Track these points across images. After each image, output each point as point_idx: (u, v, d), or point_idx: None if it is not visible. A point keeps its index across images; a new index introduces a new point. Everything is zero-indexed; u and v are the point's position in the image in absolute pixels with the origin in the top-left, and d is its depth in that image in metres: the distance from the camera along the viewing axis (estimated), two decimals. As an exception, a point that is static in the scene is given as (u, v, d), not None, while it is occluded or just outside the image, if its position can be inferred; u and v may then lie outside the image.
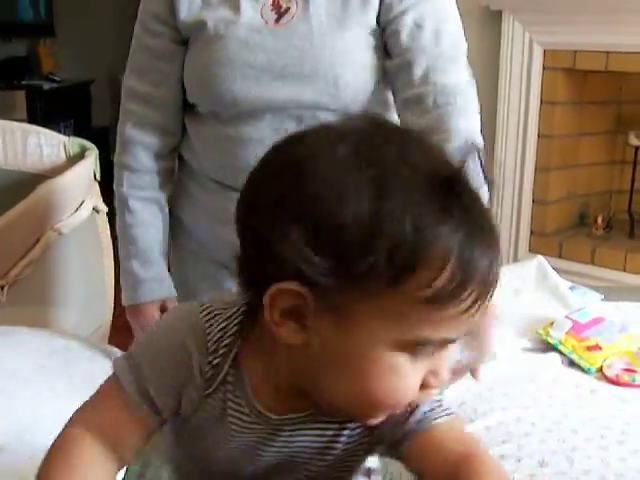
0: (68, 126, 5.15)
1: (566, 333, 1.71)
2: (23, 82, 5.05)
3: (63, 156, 2.02)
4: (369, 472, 0.90)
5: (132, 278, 1.42)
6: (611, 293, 2.06)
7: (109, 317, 2.16)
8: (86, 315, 2.05)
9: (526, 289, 2.02)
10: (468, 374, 1.61)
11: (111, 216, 2.12)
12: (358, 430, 0.79)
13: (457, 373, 1.21)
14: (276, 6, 1.31)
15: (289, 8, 1.31)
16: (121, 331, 2.21)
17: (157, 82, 1.38)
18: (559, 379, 1.61)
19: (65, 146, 2.02)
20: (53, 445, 0.78)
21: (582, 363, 1.64)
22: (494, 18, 3.28)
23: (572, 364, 1.66)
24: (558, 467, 1.28)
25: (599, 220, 3.37)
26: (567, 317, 1.76)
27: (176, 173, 1.48)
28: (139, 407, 0.77)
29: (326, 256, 0.62)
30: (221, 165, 1.38)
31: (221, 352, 0.75)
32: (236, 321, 0.75)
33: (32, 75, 5.26)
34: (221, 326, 0.75)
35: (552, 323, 1.75)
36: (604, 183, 3.53)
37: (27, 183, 1.92)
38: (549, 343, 1.71)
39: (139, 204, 1.41)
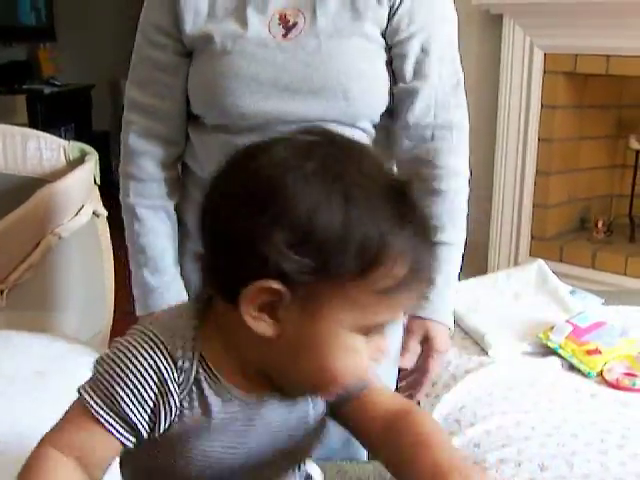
0: (69, 130, 5.15)
1: (566, 337, 1.71)
2: (24, 86, 5.06)
3: (63, 160, 2.02)
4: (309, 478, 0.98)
5: (143, 287, 1.40)
6: (612, 297, 2.06)
7: (109, 322, 2.15)
8: (86, 319, 2.05)
9: (526, 293, 2.02)
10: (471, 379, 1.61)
11: (111, 220, 2.12)
12: (320, 401, 0.90)
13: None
14: (283, 20, 1.29)
15: (296, 23, 1.29)
16: (121, 335, 2.22)
17: (161, 94, 1.36)
18: (559, 383, 1.60)
19: (65, 150, 2.02)
20: (24, 466, 0.79)
21: (582, 367, 1.64)
22: (494, 22, 3.28)
23: (572, 368, 1.66)
24: (558, 471, 1.28)
25: (600, 224, 3.37)
26: (567, 321, 1.76)
27: (180, 179, 1.48)
28: (111, 425, 0.79)
29: (304, 257, 0.72)
30: None
31: (187, 354, 0.80)
32: (193, 322, 0.82)
33: (33, 79, 5.26)
34: (180, 331, 0.81)
35: (552, 327, 1.75)
36: (605, 187, 3.53)
37: (27, 187, 1.91)
38: (549, 347, 1.71)
39: (147, 212, 1.40)
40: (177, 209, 1.47)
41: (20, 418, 1.28)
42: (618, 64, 3.02)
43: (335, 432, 1.53)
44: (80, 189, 1.97)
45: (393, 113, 1.36)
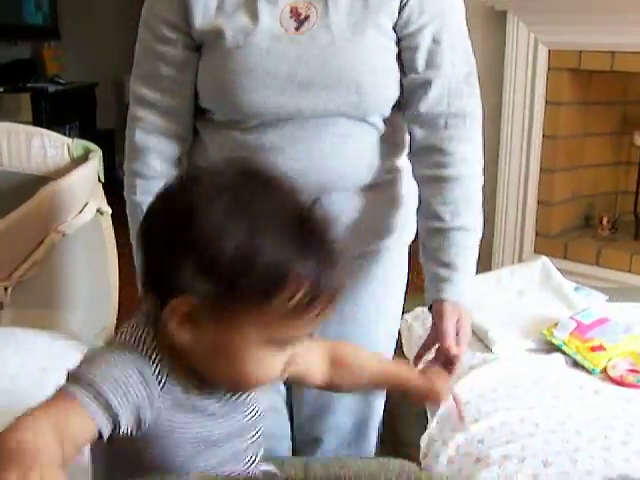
0: (73, 128, 5.16)
1: (570, 334, 1.70)
2: (28, 85, 5.05)
3: (67, 158, 2.02)
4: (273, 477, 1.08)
5: None
6: (616, 294, 2.06)
7: (113, 318, 2.16)
8: (90, 317, 2.05)
9: (530, 290, 2.02)
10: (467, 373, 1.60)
11: (115, 217, 2.12)
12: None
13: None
14: (295, 14, 1.28)
15: (308, 16, 1.28)
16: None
17: (170, 90, 1.34)
18: (563, 380, 1.60)
19: (69, 148, 2.02)
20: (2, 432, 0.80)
21: (586, 364, 1.63)
22: (499, 18, 3.28)
23: (576, 365, 1.66)
24: (561, 467, 1.28)
25: (604, 221, 3.36)
26: (571, 318, 1.76)
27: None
28: (94, 409, 0.83)
29: (213, 281, 0.83)
30: None
31: (156, 358, 0.90)
32: (152, 332, 0.91)
33: (37, 78, 5.26)
34: (144, 340, 0.91)
35: (556, 324, 1.75)
36: (609, 184, 3.53)
37: (31, 185, 1.92)
38: (553, 344, 1.71)
39: None
40: None
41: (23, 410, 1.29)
42: (623, 60, 3.02)
43: (339, 430, 1.54)
44: (84, 187, 1.97)
45: (402, 105, 1.36)
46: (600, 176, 3.49)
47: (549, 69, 3.22)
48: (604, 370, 1.62)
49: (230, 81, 1.28)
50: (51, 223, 1.89)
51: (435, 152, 1.34)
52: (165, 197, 0.91)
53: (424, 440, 1.44)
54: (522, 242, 3.42)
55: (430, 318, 1.36)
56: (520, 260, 3.35)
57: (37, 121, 4.64)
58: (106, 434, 0.84)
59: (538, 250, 3.33)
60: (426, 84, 1.32)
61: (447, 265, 1.33)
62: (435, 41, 1.31)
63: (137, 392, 0.86)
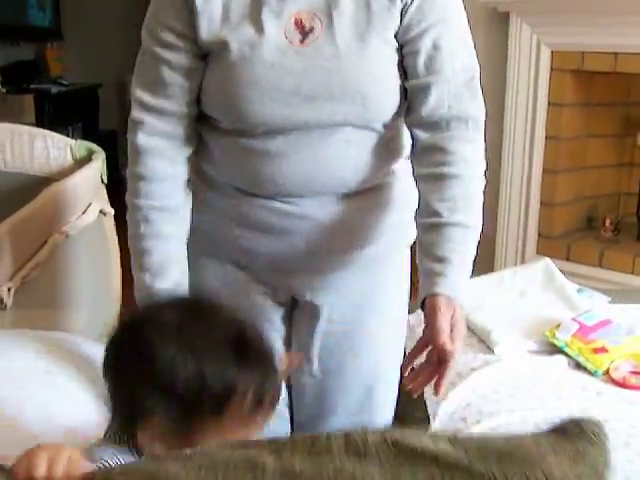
0: (76, 130, 5.16)
1: (572, 335, 1.70)
2: (31, 86, 5.07)
3: (70, 159, 2.02)
4: None
5: (145, 291, 1.36)
6: (618, 296, 2.06)
7: (116, 319, 2.16)
8: (93, 317, 2.06)
9: (533, 291, 2.02)
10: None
11: (118, 218, 2.13)
12: None
13: None
14: (299, 25, 1.28)
15: (313, 27, 1.28)
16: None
17: (175, 96, 1.33)
18: (565, 381, 1.60)
19: (72, 149, 2.02)
20: None
21: (588, 365, 1.63)
22: (502, 20, 3.28)
23: (578, 366, 1.66)
24: (564, 469, 1.28)
25: (607, 223, 3.36)
26: (574, 319, 1.76)
27: (194, 182, 1.46)
28: None
29: (171, 403, 0.99)
30: (244, 175, 1.37)
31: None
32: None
33: (40, 79, 5.27)
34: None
35: (558, 325, 1.75)
36: (612, 185, 3.52)
37: (34, 186, 1.92)
38: (555, 345, 1.71)
39: (156, 214, 1.36)
40: (192, 213, 1.44)
41: (30, 418, 1.28)
42: (626, 61, 3.01)
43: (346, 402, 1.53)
44: (87, 188, 1.98)
45: (403, 110, 1.36)
46: (603, 177, 3.48)
47: (552, 70, 3.22)
48: (606, 372, 1.62)
49: (236, 93, 1.28)
50: (54, 224, 1.90)
51: (436, 151, 1.34)
52: (122, 343, 1.06)
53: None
54: (524, 243, 3.42)
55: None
56: (523, 261, 3.35)
57: (40, 122, 4.65)
58: None
59: (541, 251, 3.33)
60: (426, 89, 1.32)
61: (442, 260, 1.29)
62: (435, 47, 1.31)
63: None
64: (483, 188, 1.37)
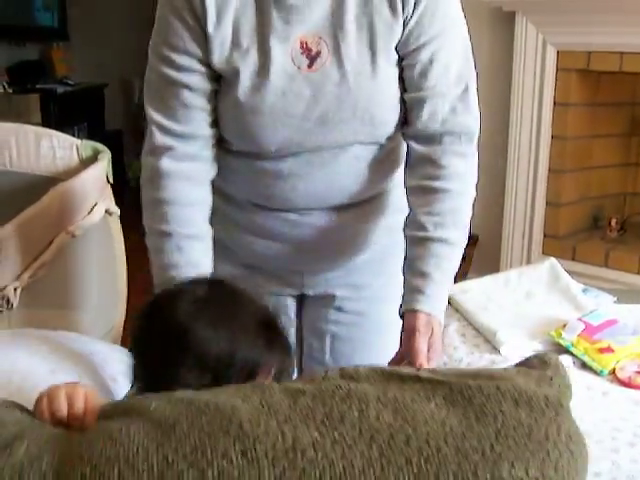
0: (82, 130, 5.17)
1: (578, 335, 1.70)
2: (37, 86, 5.07)
3: (76, 159, 2.02)
4: None
5: None
6: (625, 296, 2.05)
7: (121, 319, 2.16)
8: (99, 317, 2.06)
9: (538, 291, 2.01)
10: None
11: (123, 219, 2.13)
12: None
13: None
14: (306, 49, 1.28)
15: (320, 52, 1.28)
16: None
17: (198, 119, 1.32)
18: (571, 381, 1.60)
19: (78, 149, 2.03)
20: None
21: (594, 365, 1.63)
22: (507, 19, 3.28)
23: (584, 366, 1.65)
24: (569, 469, 1.28)
25: (613, 223, 3.36)
26: (579, 319, 1.75)
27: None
28: None
29: (203, 374, 1.02)
30: (257, 193, 1.39)
31: None
32: None
33: (46, 79, 5.28)
34: None
35: (564, 325, 1.74)
36: (618, 185, 3.52)
37: (40, 186, 1.92)
38: (561, 345, 1.71)
39: (188, 242, 1.33)
40: None
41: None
42: (632, 61, 3.01)
43: None
44: (93, 187, 1.98)
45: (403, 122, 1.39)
46: (609, 177, 3.48)
47: (558, 70, 3.22)
48: (612, 372, 1.61)
49: (247, 121, 1.29)
50: (60, 224, 1.90)
51: (429, 164, 1.35)
52: (154, 316, 1.10)
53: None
54: (530, 243, 3.42)
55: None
56: (528, 261, 3.35)
57: (46, 122, 4.65)
58: None
59: (546, 251, 3.33)
60: (421, 102, 1.33)
61: (424, 275, 1.30)
62: (431, 61, 1.32)
63: None
64: (472, 202, 1.38)
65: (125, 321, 2.18)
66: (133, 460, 0.85)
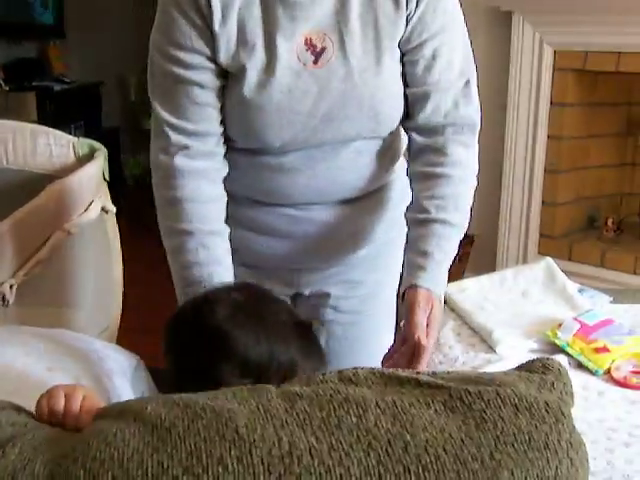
0: (78, 127, 5.16)
1: (574, 335, 1.70)
2: (34, 84, 5.06)
3: (72, 156, 2.02)
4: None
5: None
6: (621, 296, 2.05)
7: (117, 318, 2.16)
8: (94, 315, 2.06)
9: (534, 291, 2.01)
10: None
11: (119, 216, 2.13)
12: None
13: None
14: (310, 46, 1.28)
15: (325, 48, 1.29)
16: (129, 333, 2.23)
17: (211, 117, 1.32)
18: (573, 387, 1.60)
19: (74, 146, 2.03)
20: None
21: (590, 365, 1.63)
22: (504, 19, 3.28)
23: (580, 366, 1.65)
24: (564, 469, 1.28)
25: (609, 223, 3.36)
26: (575, 319, 1.76)
27: None
28: None
29: (243, 378, 1.04)
30: (258, 188, 1.39)
31: None
32: None
33: (43, 77, 5.27)
34: None
35: (560, 325, 1.74)
36: (614, 185, 3.52)
37: (36, 183, 1.92)
38: (557, 345, 1.71)
39: (211, 239, 1.32)
40: None
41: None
42: (628, 61, 3.02)
43: None
44: (89, 185, 1.98)
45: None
46: (605, 177, 3.49)
47: (554, 70, 3.22)
48: (608, 371, 1.61)
49: (254, 118, 1.29)
50: (56, 221, 1.90)
51: (432, 152, 1.37)
52: (194, 322, 1.11)
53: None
54: (526, 243, 3.42)
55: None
56: (524, 261, 3.35)
57: (42, 120, 4.64)
58: None
59: (542, 251, 3.33)
60: (425, 97, 1.35)
61: (425, 254, 1.32)
62: (434, 56, 1.33)
63: None
64: (473, 191, 1.40)
65: (121, 319, 2.18)
66: (127, 464, 0.84)
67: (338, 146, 1.35)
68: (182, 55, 1.28)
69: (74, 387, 1.05)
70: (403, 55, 1.34)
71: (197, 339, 1.09)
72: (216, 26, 1.26)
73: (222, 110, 1.33)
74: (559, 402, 0.97)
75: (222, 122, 1.33)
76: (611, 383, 1.58)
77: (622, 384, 1.57)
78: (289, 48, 1.28)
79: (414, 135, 1.39)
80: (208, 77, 1.30)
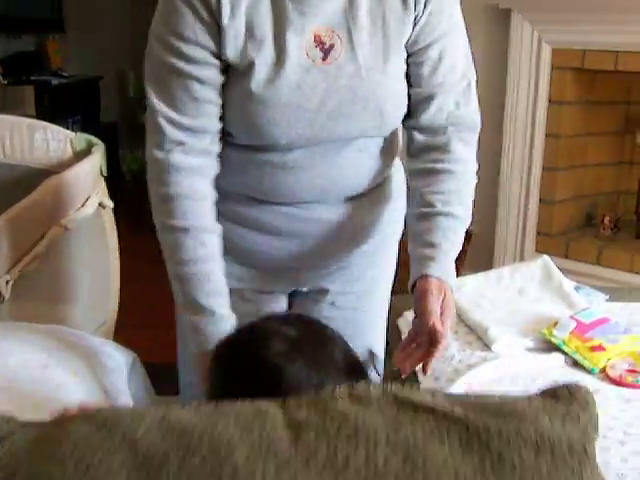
0: (76, 122, 5.16)
1: (570, 333, 1.70)
2: (32, 77, 5.06)
3: (69, 151, 2.02)
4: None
5: (215, 318, 1.30)
6: (617, 294, 2.06)
7: (114, 313, 2.16)
8: (91, 311, 2.06)
9: (531, 289, 2.02)
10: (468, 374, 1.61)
11: (117, 212, 2.13)
12: None
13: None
14: (319, 42, 1.28)
15: (333, 45, 1.28)
16: (126, 328, 2.23)
17: (210, 113, 1.30)
18: (562, 379, 1.60)
19: (72, 141, 2.02)
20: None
21: (585, 363, 1.64)
22: (503, 17, 3.28)
23: (575, 364, 1.66)
24: (559, 467, 1.28)
25: (606, 221, 3.36)
26: (571, 317, 1.76)
27: None
28: None
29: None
30: (258, 186, 1.38)
31: None
32: None
33: (41, 71, 5.26)
34: None
35: (556, 323, 1.75)
36: (611, 183, 3.52)
37: (33, 178, 1.92)
38: (553, 343, 1.71)
39: (209, 236, 1.32)
40: None
41: (26, 411, 1.28)
42: (626, 60, 3.02)
43: None
44: (86, 180, 1.98)
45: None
46: (602, 175, 3.49)
47: (553, 68, 3.22)
48: (603, 370, 1.62)
49: (260, 114, 1.28)
50: (53, 217, 1.90)
51: (433, 150, 1.39)
52: (247, 354, 1.10)
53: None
54: (524, 241, 3.42)
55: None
56: (521, 259, 3.35)
57: (40, 114, 4.64)
58: None
59: (540, 249, 3.33)
60: (429, 98, 1.37)
61: (433, 245, 1.32)
62: (440, 58, 1.35)
63: None
64: (475, 186, 1.42)
65: (118, 314, 2.18)
66: None
67: (341, 144, 1.35)
68: (184, 48, 1.26)
69: (92, 403, 1.07)
70: (409, 56, 1.35)
71: (251, 372, 1.07)
72: (225, 20, 1.25)
73: (223, 106, 1.31)
74: (583, 439, 0.91)
75: (222, 119, 1.32)
76: (607, 382, 1.59)
77: (617, 383, 1.57)
78: (298, 44, 1.27)
79: (416, 134, 1.40)
80: (209, 73, 1.28)
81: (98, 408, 0.97)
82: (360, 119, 1.32)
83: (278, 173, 1.35)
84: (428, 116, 1.38)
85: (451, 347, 1.72)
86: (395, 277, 1.61)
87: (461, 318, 1.85)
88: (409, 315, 1.91)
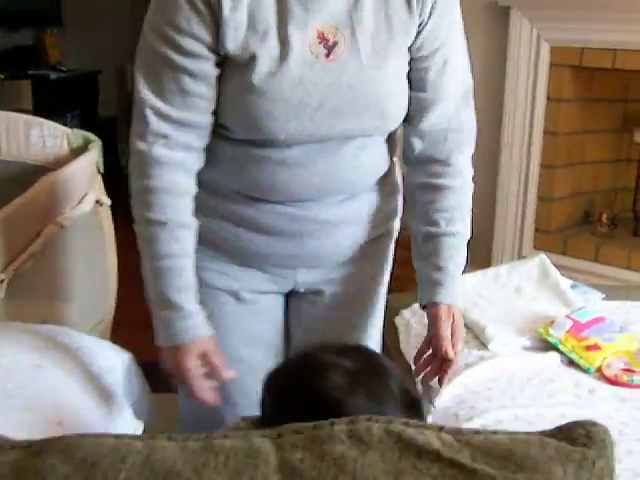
0: (75, 116, 5.15)
1: (566, 332, 1.71)
2: (30, 72, 5.05)
3: (66, 148, 2.01)
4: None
5: (183, 313, 1.31)
6: (613, 292, 2.06)
7: (111, 311, 2.15)
8: (88, 309, 2.05)
9: (528, 287, 2.02)
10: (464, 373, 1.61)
11: (114, 209, 2.12)
12: None
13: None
14: (323, 39, 1.28)
15: (337, 42, 1.28)
16: (123, 326, 2.22)
17: (198, 107, 1.29)
18: (558, 378, 1.61)
19: (68, 138, 2.01)
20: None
21: (581, 363, 1.64)
22: (502, 14, 3.27)
23: (571, 363, 1.66)
24: (554, 467, 1.28)
25: (604, 218, 3.36)
26: (567, 316, 1.76)
27: None
28: None
29: None
30: (255, 183, 1.36)
31: None
32: None
33: (39, 65, 5.25)
34: None
35: (552, 322, 1.75)
36: (609, 181, 3.53)
37: (29, 175, 1.91)
38: (549, 342, 1.72)
39: (183, 232, 1.32)
40: None
41: (19, 412, 1.28)
42: (625, 58, 3.02)
43: None
44: (83, 177, 1.97)
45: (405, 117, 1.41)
46: (600, 173, 3.49)
47: (551, 66, 3.22)
48: (599, 369, 1.62)
49: (260, 108, 1.27)
50: (49, 214, 1.89)
51: (434, 162, 1.42)
52: (304, 386, 1.05)
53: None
54: (522, 238, 3.42)
55: (426, 315, 1.45)
56: (519, 256, 3.36)
57: (38, 109, 4.63)
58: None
59: (537, 246, 3.33)
60: (431, 104, 1.38)
61: (441, 269, 1.42)
62: (443, 65, 1.36)
63: None
64: (472, 194, 1.48)
65: (115, 312, 2.17)
66: None
67: (341, 142, 1.35)
68: (179, 39, 1.25)
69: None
70: (413, 61, 1.36)
71: (308, 406, 1.03)
72: (226, 11, 1.23)
73: (219, 100, 1.30)
74: None
75: (213, 114, 1.31)
76: (602, 381, 1.59)
77: (613, 382, 1.58)
78: (302, 39, 1.27)
79: (416, 141, 1.42)
80: (203, 66, 1.27)
81: (79, 440, 0.87)
82: (361, 118, 1.32)
83: (276, 170, 1.34)
84: (429, 122, 1.39)
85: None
86: (391, 275, 1.61)
87: (458, 317, 1.86)
88: (406, 313, 1.92)
